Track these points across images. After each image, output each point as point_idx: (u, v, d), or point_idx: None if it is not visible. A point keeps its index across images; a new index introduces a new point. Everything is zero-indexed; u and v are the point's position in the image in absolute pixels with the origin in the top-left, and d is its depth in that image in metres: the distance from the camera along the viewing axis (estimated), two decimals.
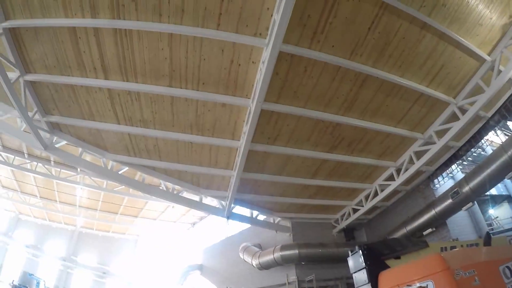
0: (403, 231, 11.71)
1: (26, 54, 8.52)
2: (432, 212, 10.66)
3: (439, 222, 10.87)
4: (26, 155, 15.99)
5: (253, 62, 7.29)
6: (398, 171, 11.18)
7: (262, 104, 7.60)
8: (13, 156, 16.17)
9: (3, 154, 16.13)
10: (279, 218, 14.50)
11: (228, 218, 12.52)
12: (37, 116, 9.95)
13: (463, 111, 8.93)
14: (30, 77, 8.89)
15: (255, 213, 13.55)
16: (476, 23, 7.33)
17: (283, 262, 13.23)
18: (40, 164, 16.52)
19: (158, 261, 27.99)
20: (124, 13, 6.93)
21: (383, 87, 8.27)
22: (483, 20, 7.32)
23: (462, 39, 7.44)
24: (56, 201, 21.86)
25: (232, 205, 12.07)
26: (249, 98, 8.06)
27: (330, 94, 8.27)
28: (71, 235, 27.32)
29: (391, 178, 11.47)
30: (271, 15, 6.53)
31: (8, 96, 8.29)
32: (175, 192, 11.89)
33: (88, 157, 11.55)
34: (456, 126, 9.02)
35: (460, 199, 9.70)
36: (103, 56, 7.91)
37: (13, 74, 8.74)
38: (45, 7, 7.29)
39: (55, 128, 10.65)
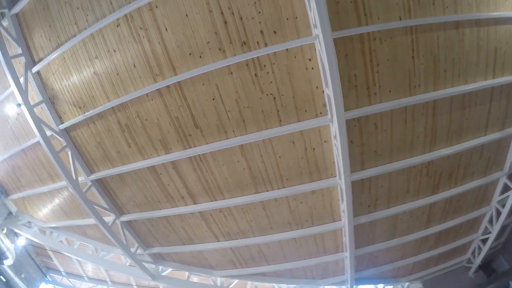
0: None
1: (116, 198, 9.72)
2: None
3: None
4: (135, 287, 16.58)
5: (325, 141, 7.36)
6: (510, 177, 9.81)
7: (350, 177, 7.38)
8: None
9: None
10: (407, 283, 12.96)
11: None
12: (139, 251, 10.79)
13: None
14: (125, 218, 9.99)
15: (380, 286, 12.29)
16: None
17: None
18: None
19: None
20: (193, 141, 7.79)
21: (454, 104, 7.77)
22: None
23: (496, 13, 7.04)
24: None
25: (354, 286, 11.09)
26: (335, 176, 7.95)
27: (409, 137, 7.87)
28: None
29: (506, 188, 10.01)
30: (323, 92, 6.75)
31: (109, 238, 9.37)
32: None
33: (195, 278, 11.81)
34: None
35: None
36: (186, 184, 8.66)
37: (109, 218, 9.91)
38: (123, 156, 8.57)
39: (158, 258, 11.34)
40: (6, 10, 8.05)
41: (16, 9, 7.96)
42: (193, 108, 7.32)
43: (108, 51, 7.47)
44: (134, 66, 7.36)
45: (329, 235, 9.63)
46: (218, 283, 11.16)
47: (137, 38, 7.07)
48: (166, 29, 6.78)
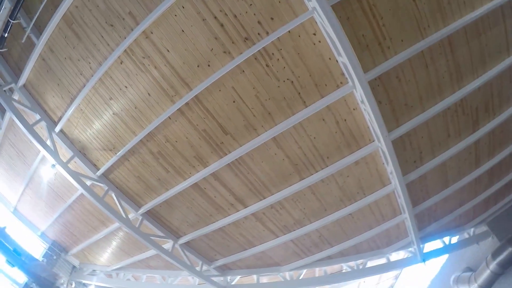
0: None
1: (170, 224, 10.11)
2: None
3: None
4: None
5: (353, 109, 7.24)
6: None
7: (389, 137, 7.24)
8: None
9: None
10: (472, 228, 12.58)
11: (424, 260, 11.13)
12: (204, 267, 11.17)
13: None
14: (183, 240, 10.39)
15: (446, 239, 11.97)
16: None
17: (503, 269, 10.85)
18: None
19: None
20: (226, 147, 7.92)
21: (469, 34, 7.37)
22: None
23: None
24: None
25: (421, 245, 10.88)
26: (373, 141, 7.79)
27: (435, 80, 7.61)
28: None
29: None
30: (337, 61, 6.65)
31: (173, 263, 9.81)
32: (360, 268, 11.17)
33: (265, 279, 11.97)
34: None
35: None
36: (232, 191, 8.83)
37: (168, 244, 10.39)
38: (164, 182, 8.88)
39: (224, 269, 11.65)
40: (13, 85, 8.42)
41: (22, 80, 8.29)
42: (217, 116, 7.40)
43: (120, 89, 7.65)
44: (149, 94, 7.50)
45: (384, 201, 9.45)
46: (288, 278, 11.22)
47: (143, 68, 7.19)
48: (168, 50, 6.86)
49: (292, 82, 6.82)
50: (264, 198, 8.87)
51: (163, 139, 8.05)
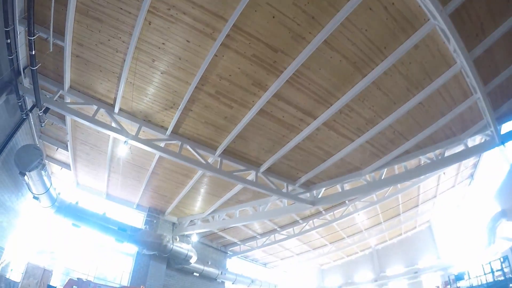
0: None
1: (248, 156, 10.64)
2: None
3: None
4: (300, 221, 18.25)
5: None
6: None
7: (444, 11, 6.32)
8: (291, 228, 18.79)
9: (283, 232, 19.11)
10: None
11: (502, 143, 9.89)
12: (290, 187, 11.78)
13: None
14: (264, 167, 10.99)
15: None
16: None
17: None
18: (315, 220, 18.23)
19: (459, 231, 25.14)
20: (281, 64, 7.81)
21: None
22: None
23: None
24: (344, 238, 23.30)
25: (498, 127, 9.63)
26: (429, 20, 6.93)
27: None
28: (371, 257, 28.25)
29: None
30: None
31: (260, 191, 10.64)
32: (439, 158, 10.58)
33: (348, 186, 12.28)
34: None
35: None
36: (298, 106, 8.90)
37: (251, 175, 10.98)
38: (231, 118, 9.45)
39: (308, 185, 12.21)
40: (61, 91, 8.90)
41: (67, 83, 8.77)
42: (261, 37, 7.19)
43: (159, 48, 7.69)
44: (188, 41, 7.46)
45: (452, 84, 8.72)
46: (370, 180, 11.40)
47: (172, 19, 7.08)
48: None
49: None
50: (331, 105, 8.76)
51: (217, 78, 8.14)
